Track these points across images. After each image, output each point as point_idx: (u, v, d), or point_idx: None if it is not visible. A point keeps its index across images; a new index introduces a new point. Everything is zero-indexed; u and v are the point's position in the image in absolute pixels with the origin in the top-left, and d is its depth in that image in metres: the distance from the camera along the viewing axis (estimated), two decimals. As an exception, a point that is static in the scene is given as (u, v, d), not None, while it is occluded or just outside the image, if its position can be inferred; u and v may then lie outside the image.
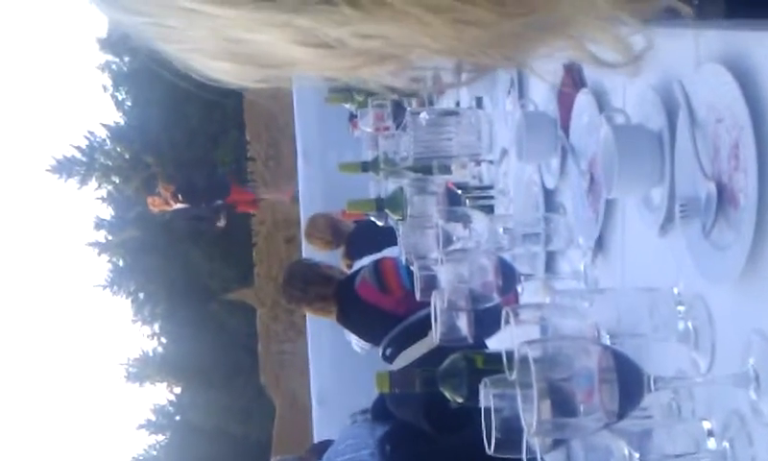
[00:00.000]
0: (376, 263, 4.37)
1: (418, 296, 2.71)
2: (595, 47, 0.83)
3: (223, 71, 0.79)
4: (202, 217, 14.15)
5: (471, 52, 0.78)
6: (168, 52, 0.78)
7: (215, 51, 0.77)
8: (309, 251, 6.04)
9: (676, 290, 1.66)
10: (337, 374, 7.27)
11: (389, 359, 4.01)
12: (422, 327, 3.48)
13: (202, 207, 13.35)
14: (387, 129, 4.49)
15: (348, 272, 4.73)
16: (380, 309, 4.18)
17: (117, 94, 20.11)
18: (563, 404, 1.41)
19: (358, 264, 4.96)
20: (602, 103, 2.08)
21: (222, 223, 13.56)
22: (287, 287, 4.52)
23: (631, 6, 0.80)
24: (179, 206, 12.75)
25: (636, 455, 1.47)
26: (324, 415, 7.62)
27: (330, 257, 5.91)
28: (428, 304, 2.60)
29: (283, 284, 4.55)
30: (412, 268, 2.98)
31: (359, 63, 0.76)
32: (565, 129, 2.28)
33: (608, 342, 1.62)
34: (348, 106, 5.95)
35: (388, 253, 4.47)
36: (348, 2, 0.71)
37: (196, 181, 13.61)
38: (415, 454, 3.61)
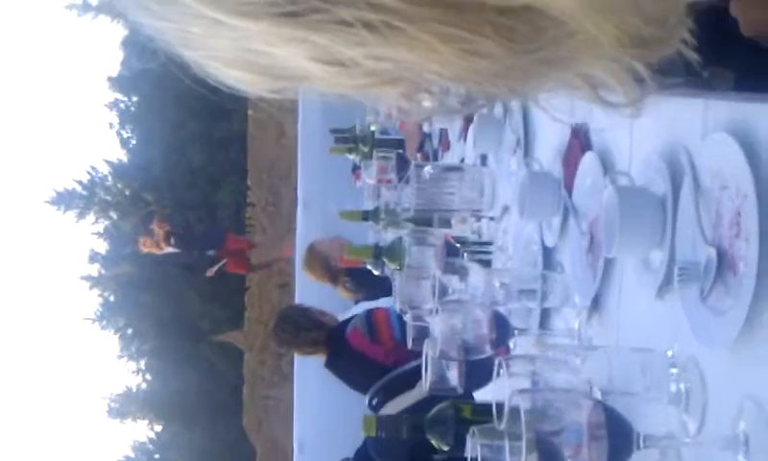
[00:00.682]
0: (369, 313, 4.38)
1: (409, 344, 2.71)
2: (600, 87, 0.85)
3: (238, 79, 0.81)
4: (192, 267, 13.84)
5: (479, 81, 0.81)
6: (187, 57, 0.80)
7: (232, 60, 0.79)
8: (303, 292, 6.03)
9: (670, 352, 1.67)
10: (320, 421, 7.23)
11: (375, 408, 4.01)
12: (411, 379, 3.48)
13: (193, 255, 13.08)
14: (390, 181, 4.51)
15: (339, 320, 4.72)
16: (369, 359, 4.19)
17: (123, 132, 20.23)
18: (550, 457, 1.41)
19: (353, 310, 4.96)
20: (607, 165, 2.10)
21: (211, 273, 13.32)
22: (279, 331, 4.53)
23: (637, 50, 0.82)
24: (169, 249, 12.52)
25: (622, 513, 1.47)
26: (304, 462, 7.58)
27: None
28: (418, 356, 2.61)
29: (275, 328, 4.57)
30: (405, 318, 2.99)
31: (370, 83, 0.78)
32: (569, 189, 2.30)
33: (599, 398, 1.62)
34: (351, 156, 5.97)
35: (383, 302, 4.48)
36: (365, 24, 0.73)
37: (193, 226, 13.52)
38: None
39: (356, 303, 5.30)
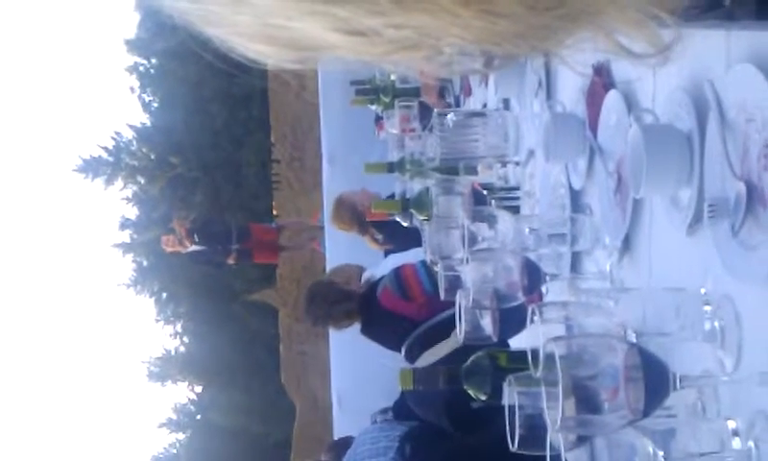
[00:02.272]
0: (397, 271, 4.37)
1: (442, 295, 2.71)
2: (624, 38, 0.83)
3: (261, 53, 0.81)
4: (216, 262, 13.63)
5: (500, 42, 0.80)
6: (210, 34, 0.81)
7: (255, 34, 0.79)
8: (333, 248, 6.04)
9: (703, 290, 1.66)
10: (358, 375, 7.26)
11: (412, 359, 4.02)
12: (446, 328, 3.49)
13: (218, 250, 12.87)
14: (413, 130, 4.48)
15: (366, 283, 4.72)
16: (404, 317, 4.19)
17: (144, 96, 20.20)
18: (587, 401, 1.41)
19: (384, 263, 4.96)
20: (631, 103, 2.08)
21: (232, 261, 13.17)
22: (311, 310, 4.53)
23: None
24: (194, 247, 12.38)
25: (661, 453, 1.47)
26: (344, 416, 7.62)
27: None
28: (452, 306, 2.60)
29: (306, 308, 4.55)
30: (436, 269, 2.99)
31: (392, 50, 0.78)
32: (593, 129, 2.28)
33: (634, 340, 1.62)
34: (373, 108, 5.94)
35: (413, 253, 4.47)
36: None
37: (216, 223, 13.37)
38: (436, 454, 3.61)
39: (386, 255, 5.30)
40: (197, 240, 12.16)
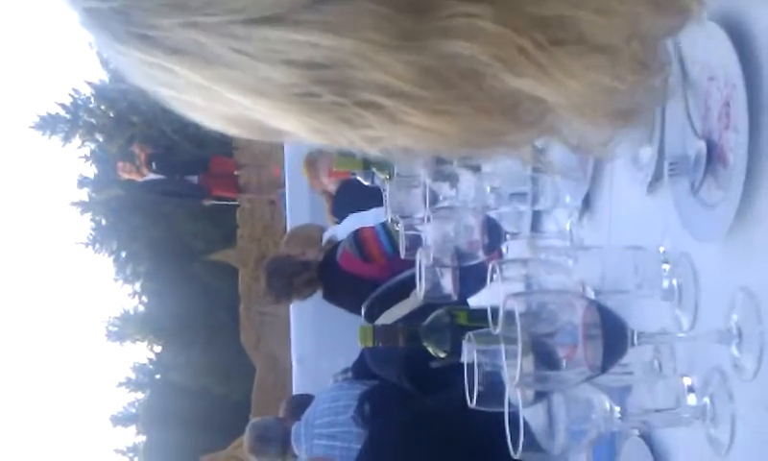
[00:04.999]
0: (356, 234, 4.37)
1: (402, 254, 2.71)
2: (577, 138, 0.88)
3: (235, 132, 0.83)
4: (177, 194, 13.46)
5: (482, 150, 0.87)
6: (166, 101, 0.82)
7: (231, 121, 0.81)
8: (294, 206, 6.03)
9: (662, 249, 1.67)
10: (318, 334, 7.27)
11: (371, 319, 4.02)
12: (406, 288, 3.49)
13: (175, 180, 12.70)
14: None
15: (324, 250, 4.72)
16: (364, 279, 4.19)
17: (103, 51, 19.96)
18: (546, 358, 1.41)
19: (344, 223, 4.96)
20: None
21: (208, 203, 13.05)
22: (272, 286, 4.52)
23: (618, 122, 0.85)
24: (151, 176, 12.20)
25: (617, 409, 1.48)
26: (303, 375, 7.63)
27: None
28: (412, 267, 2.61)
29: (267, 285, 4.54)
30: (397, 228, 2.99)
31: (359, 146, 0.80)
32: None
33: (593, 297, 1.63)
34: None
35: (373, 213, 4.47)
36: (376, 111, 0.74)
37: (175, 149, 13.21)
38: (394, 413, 3.62)
39: (343, 214, 5.29)
40: (154, 168, 11.95)
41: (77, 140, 19.60)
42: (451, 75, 0.74)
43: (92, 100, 19.59)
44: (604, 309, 1.44)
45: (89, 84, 19.57)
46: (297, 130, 0.78)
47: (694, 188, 1.55)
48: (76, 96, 19.57)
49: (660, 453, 1.66)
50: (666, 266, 1.65)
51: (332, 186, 5.58)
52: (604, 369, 1.41)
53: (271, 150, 11.66)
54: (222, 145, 14.54)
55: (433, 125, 0.76)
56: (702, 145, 1.52)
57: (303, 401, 4.53)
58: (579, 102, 0.78)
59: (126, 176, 12.40)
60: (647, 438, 1.68)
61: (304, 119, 0.76)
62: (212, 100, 0.77)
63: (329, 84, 0.73)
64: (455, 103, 0.75)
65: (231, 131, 0.83)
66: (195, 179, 12.46)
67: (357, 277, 4.25)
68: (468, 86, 0.75)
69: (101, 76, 19.58)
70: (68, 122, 19.46)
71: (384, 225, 4.16)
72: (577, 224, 2.15)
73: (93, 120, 19.42)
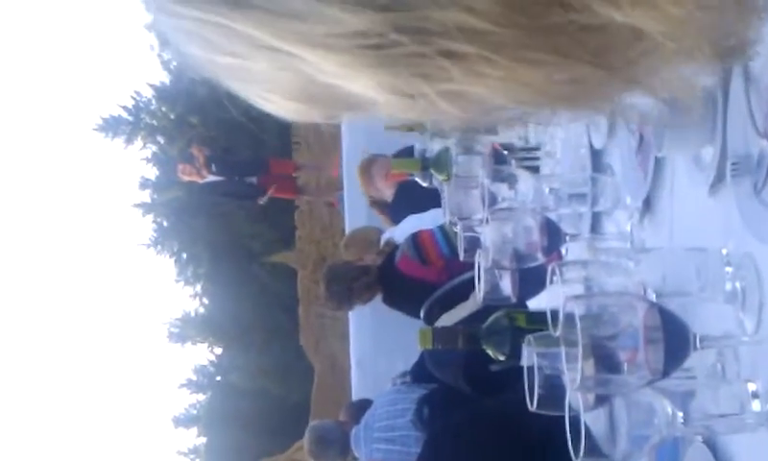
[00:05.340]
0: (414, 237, 4.37)
1: (461, 256, 2.70)
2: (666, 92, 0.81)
3: (294, 110, 0.79)
4: (237, 194, 13.50)
5: (562, 106, 0.80)
6: (234, 88, 0.79)
7: (293, 92, 0.76)
8: (352, 208, 6.03)
9: (724, 250, 1.64)
10: (377, 337, 7.29)
11: (431, 321, 4.01)
12: (465, 290, 3.48)
13: (234, 181, 12.75)
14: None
15: (383, 253, 4.73)
16: (423, 282, 4.18)
17: (163, 54, 20.17)
18: (606, 361, 1.40)
19: (402, 225, 4.96)
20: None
21: (262, 201, 13.09)
22: (331, 293, 4.52)
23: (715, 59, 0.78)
24: (211, 178, 12.28)
25: (680, 414, 1.46)
26: (362, 378, 7.65)
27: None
28: (471, 269, 2.59)
29: (326, 291, 4.54)
30: (455, 230, 2.98)
31: (436, 115, 0.76)
32: (615, 88, 2.25)
33: (654, 300, 1.60)
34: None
35: (431, 215, 4.46)
36: (450, 56, 0.70)
37: (234, 150, 13.26)
38: (453, 417, 3.60)
39: (401, 216, 5.28)
40: (214, 170, 12.02)
41: (138, 142, 19.83)
42: (538, 8, 0.69)
43: (153, 102, 19.81)
44: (665, 312, 1.42)
45: (151, 86, 19.79)
46: (366, 89, 0.73)
47: (757, 189, 1.52)
48: (138, 98, 19.81)
49: (723, 460, 1.63)
50: (729, 268, 1.61)
51: (388, 191, 5.56)
52: (666, 373, 1.39)
53: (329, 150, 11.70)
54: (280, 147, 14.64)
55: (516, 73, 0.71)
56: (765, 144, 1.50)
57: (363, 405, 4.54)
58: (679, 31, 0.72)
59: (186, 178, 12.49)
60: (710, 444, 1.65)
61: (376, 75, 0.72)
62: (275, 63, 0.73)
63: (409, 30, 0.69)
64: (541, 45, 0.70)
65: (291, 108, 0.78)
66: (254, 180, 12.52)
67: (416, 280, 4.25)
68: (556, 20, 0.69)
69: (162, 78, 19.79)
70: (130, 124, 19.69)
71: (442, 227, 4.15)
72: (638, 225, 2.12)
73: (154, 122, 19.64)
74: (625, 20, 0.70)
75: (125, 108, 19.73)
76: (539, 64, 0.71)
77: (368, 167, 5.75)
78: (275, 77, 0.74)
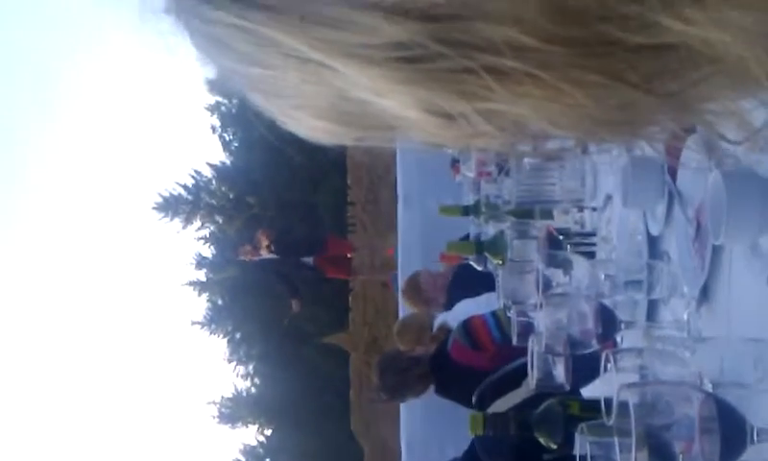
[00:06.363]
0: (465, 323, 4.36)
1: (514, 340, 2.68)
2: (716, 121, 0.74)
3: (322, 130, 0.75)
4: (288, 275, 13.60)
5: (606, 133, 0.74)
6: (261, 104, 0.75)
7: (323, 108, 0.73)
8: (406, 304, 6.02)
9: (784, 341, 1.61)
10: (428, 421, 7.22)
11: (482, 408, 3.97)
12: (518, 377, 3.44)
13: (290, 261, 12.86)
14: (489, 174, 4.47)
15: (436, 339, 4.72)
16: (475, 369, 4.16)
17: (225, 135, 20.46)
18: (661, 452, 1.37)
19: (456, 309, 4.94)
20: (711, 147, 2.03)
21: (296, 308, 13.18)
22: (384, 383, 4.53)
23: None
24: (268, 256, 12.41)
25: (737, 508, 1.42)
26: (413, 462, 7.58)
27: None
28: (524, 355, 2.57)
29: (380, 381, 4.55)
30: (509, 314, 2.96)
31: (472, 138, 0.72)
32: (673, 174, 2.24)
33: (710, 390, 1.57)
34: (449, 150, 5.94)
35: (485, 298, 4.44)
36: (493, 71, 0.65)
37: (294, 230, 13.43)
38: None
39: (456, 300, 5.26)
40: (273, 249, 12.18)
41: (197, 222, 20.06)
42: (591, 26, 0.64)
43: (213, 182, 20.07)
44: (722, 403, 1.39)
45: (211, 166, 20.06)
46: (401, 106, 0.69)
47: (818, 279, 1.50)
48: (198, 178, 20.08)
49: None
50: (789, 360, 1.58)
51: (441, 297, 5.51)
52: (722, 466, 1.36)
53: (384, 231, 11.74)
54: (336, 227, 14.71)
55: (562, 93, 0.66)
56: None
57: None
58: (745, 49, 0.64)
59: (247, 258, 12.67)
60: None
61: (413, 91, 0.67)
62: (305, 74, 0.69)
63: (452, 43, 0.64)
64: (590, 66, 0.65)
65: (319, 127, 0.74)
66: (310, 260, 12.63)
67: (468, 367, 4.22)
68: (610, 39, 0.64)
69: (222, 158, 20.08)
70: (190, 203, 19.93)
71: (494, 313, 4.14)
72: (695, 314, 2.09)
73: (213, 201, 19.87)
74: (686, 34, 0.64)
75: (184, 186, 20.00)
76: (586, 86, 0.66)
77: (414, 282, 5.73)
78: (304, 91, 0.71)
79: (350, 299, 13.58)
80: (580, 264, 2.64)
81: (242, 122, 19.22)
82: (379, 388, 4.60)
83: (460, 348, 4.28)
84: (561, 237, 3.14)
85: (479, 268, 3.98)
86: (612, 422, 1.42)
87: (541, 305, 2.40)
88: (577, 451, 1.85)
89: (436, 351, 4.46)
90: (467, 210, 4.51)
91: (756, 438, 1.40)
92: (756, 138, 0.75)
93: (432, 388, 4.49)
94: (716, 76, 0.67)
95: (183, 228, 20.17)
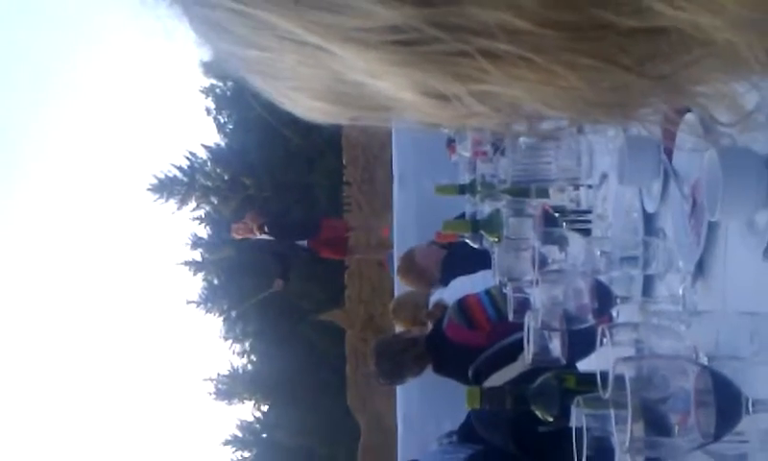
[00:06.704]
0: (460, 302, 4.38)
1: (510, 317, 2.71)
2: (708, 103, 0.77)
3: (319, 110, 0.76)
4: (283, 257, 13.64)
5: (600, 114, 0.76)
6: (258, 86, 0.76)
7: (320, 90, 0.74)
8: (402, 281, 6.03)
9: (778, 315, 1.63)
10: (424, 396, 7.23)
11: (479, 382, 4.00)
12: (513, 351, 3.47)
13: (284, 243, 12.87)
14: (485, 153, 4.48)
15: (432, 317, 4.74)
16: (472, 347, 4.18)
17: (220, 117, 20.43)
18: (657, 424, 1.39)
19: (451, 286, 4.95)
20: (707, 126, 2.05)
21: (277, 287, 13.18)
22: (381, 367, 4.56)
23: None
24: (262, 236, 12.42)
25: (732, 478, 1.45)
26: (409, 437, 7.58)
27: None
28: (519, 330, 2.59)
29: (377, 367, 4.58)
30: (505, 291, 2.98)
31: (467, 118, 0.73)
32: (668, 152, 2.26)
33: (706, 363, 1.59)
34: (445, 130, 5.94)
35: (481, 276, 4.46)
36: (487, 54, 0.67)
37: (290, 215, 13.42)
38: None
39: (450, 278, 5.28)
40: (267, 231, 12.19)
41: (192, 203, 20.03)
42: (581, 3, 0.65)
43: (208, 163, 20.03)
44: (717, 376, 1.41)
45: (206, 147, 20.03)
46: (396, 88, 0.70)
47: (812, 254, 1.52)
48: (193, 160, 20.04)
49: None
50: (783, 333, 1.61)
51: (436, 271, 5.52)
52: (717, 437, 1.38)
53: (380, 211, 11.74)
54: (331, 207, 14.70)
55: (555, 76, 0.67)
56: (820, 210, 1.49)
57: (409, 469, 4.52)
58: (736, 32, 0.66)
59: (239, 236, 12.65)
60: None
61: (409, 73, 0.68)
62: (302, 57, 0.70)
63: (448, 27, 0.65)
64: (583, 49, 0.67)
65: (316, 108, 0.75)
66: (305, 243, 12.62)
67: (464, 345, 4.25)
68: (603, 22, 0.66)
69: (217, 140, 20.05)
70: (185, 185, 19.90)
71: (488, 291, 4.16)
72: (690, 289, 2.11)
73: (209, 183, 19.84)
74: (677, 18, 0.66)
75: (179, 168, 19.97)
76: (579, 69, 0.68)
77: (409, 257, 5.74)
78: (301, 73, 0.72)
79: (346, 276, 13.60)
80: (576, 241, 2.66)
81: (237, 104, 19.16)
82: (377, 374, 4.62)
83: (456, 327, 4.30)
84: (556, 215, 3.16)
85: (475, 246, 3.99)
86: (608, 395, 1.44)
87: (537, 282, 2.42)
88: (573, 424, 1.87)
89: (432, 332, 4.49)
90: (462, 189, 4.53)
91: (750, 409, 1.42)
92: (747, 121, 0.77)
93: (430, 367, 4.52)
94: (707, 59, 0.69)
95: (179, 209, 20.14)
